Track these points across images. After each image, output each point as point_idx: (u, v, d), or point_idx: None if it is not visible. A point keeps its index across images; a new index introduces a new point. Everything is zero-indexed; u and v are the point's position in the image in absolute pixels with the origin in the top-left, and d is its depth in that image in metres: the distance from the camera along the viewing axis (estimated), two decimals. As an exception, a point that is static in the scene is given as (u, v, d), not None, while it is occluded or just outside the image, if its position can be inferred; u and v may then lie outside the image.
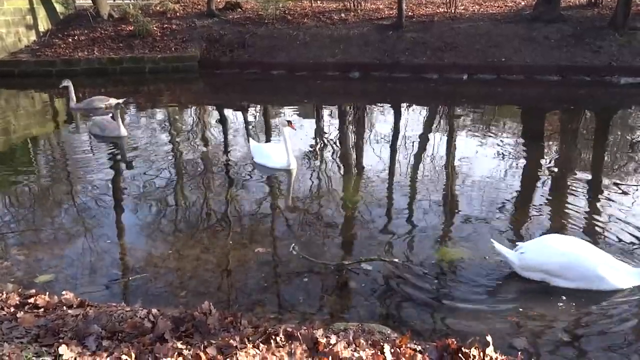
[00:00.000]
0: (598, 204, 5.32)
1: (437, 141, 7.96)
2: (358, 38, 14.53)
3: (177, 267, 4.05)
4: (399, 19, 14.74)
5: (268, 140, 7.82)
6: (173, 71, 14.17)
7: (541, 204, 5.36)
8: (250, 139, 7.07)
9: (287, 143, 5.98)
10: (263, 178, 6.17)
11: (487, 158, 6.93)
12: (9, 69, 13.85)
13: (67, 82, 9.33)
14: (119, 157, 7.02)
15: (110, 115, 6.66)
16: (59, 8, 16.39)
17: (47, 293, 3.07)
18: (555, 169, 6.59)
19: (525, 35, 13.83)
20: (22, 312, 2.74)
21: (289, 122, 5.89)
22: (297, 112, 10.22)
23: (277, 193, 5.75)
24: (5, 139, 8.26)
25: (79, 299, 2.99)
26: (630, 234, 4.54)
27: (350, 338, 2.52)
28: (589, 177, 6.29)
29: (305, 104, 11.15)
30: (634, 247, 4.31)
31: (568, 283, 3.69)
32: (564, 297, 3.61)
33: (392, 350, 2.38)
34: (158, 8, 16.79)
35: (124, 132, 6.62)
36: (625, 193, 5.57)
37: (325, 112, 10.52)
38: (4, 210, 5.29)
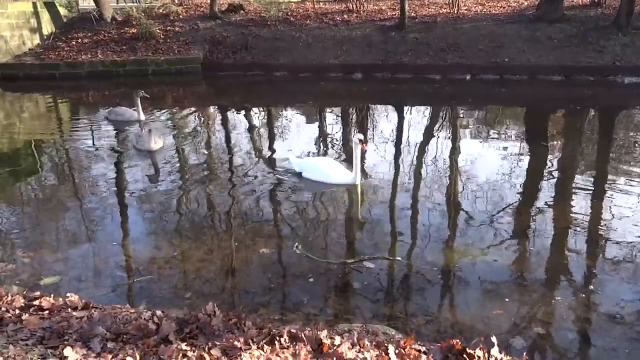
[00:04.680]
0: (603, 204, 5.30)
1: (441, 142, 7.95)
2: (361, 39, 14.54)
3: (181, 268, 4.05)
4: (402, 20, 14.74)
5: (272, 149, 7.61)
6: (176, 73, 14.21)
7: (546, 204, 5.35)
8: (290, 154, 6.73)
9: (357, 158, 5.80)
10: (272, 182, 6.14)
11: (491, 158, 6.91)
12: (14, 71, 13.93)
13: (141, 94, 8.82)
14: (123, 162, 7.05)
15: (148, 130, 7.18)
16: (62, 11, 16.48)
17: (52, 295, 3.07)
18: (561, 169, 6.57)
19: (529, 35, 13.81)
20: (27, 314, 2.75)
21: (361, 141, 5.72)
22: (300, 114, 10.24)
23: (286, 196, 5.69)
24: (10, 142, 8.30)
25: (83, 300, 2.99)
26: (635, 233, 4.52)
27: (355, 339, 2.52)
28: (595, 177, 6.27)
29: (308, 106, 11.15)
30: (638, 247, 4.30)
31: None
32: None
33: (397, 351, 2.37)
34: (161, 11, 16.85)
35: (153, 147, 7.08)
36: (630, 193, 5.55)
37: (328, 114, 10.52)
38: (9, 212, 5.31)
